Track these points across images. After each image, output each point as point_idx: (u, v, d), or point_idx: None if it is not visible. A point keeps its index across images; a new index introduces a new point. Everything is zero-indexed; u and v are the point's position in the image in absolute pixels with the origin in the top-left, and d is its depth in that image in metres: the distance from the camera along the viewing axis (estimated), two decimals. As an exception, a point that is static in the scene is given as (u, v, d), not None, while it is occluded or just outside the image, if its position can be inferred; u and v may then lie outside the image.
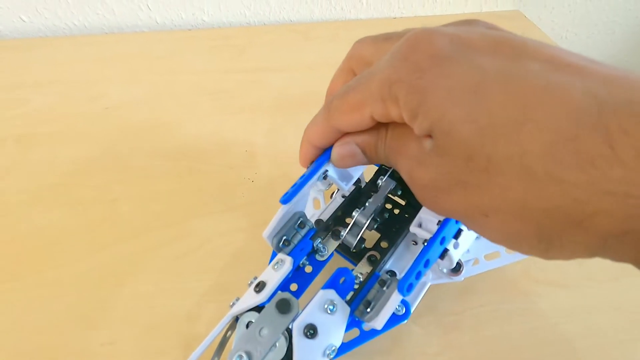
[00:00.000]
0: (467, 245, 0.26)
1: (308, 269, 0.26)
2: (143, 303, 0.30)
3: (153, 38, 0.57)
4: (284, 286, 0.23)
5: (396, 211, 0.30)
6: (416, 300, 0.27)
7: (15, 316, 0.29)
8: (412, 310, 0.25)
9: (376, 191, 0.27)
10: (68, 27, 0.58)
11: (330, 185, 0.27)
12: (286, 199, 0.22)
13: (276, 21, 0.63)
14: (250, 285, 0.23)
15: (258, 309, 0.22)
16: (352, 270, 0.26)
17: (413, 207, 0.29)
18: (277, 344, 0.20)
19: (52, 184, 0.37)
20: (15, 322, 0.29)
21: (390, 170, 0.28)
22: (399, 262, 0.28)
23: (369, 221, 0.26)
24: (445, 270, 0.27)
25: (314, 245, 0.26)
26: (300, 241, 0.25)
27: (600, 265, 0.32)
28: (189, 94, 0.48)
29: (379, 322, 0.22)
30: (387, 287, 0.23)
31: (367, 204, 0.27)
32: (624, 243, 0.13)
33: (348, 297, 0.23)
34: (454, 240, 0.25)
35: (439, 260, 0.24)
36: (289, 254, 0.24)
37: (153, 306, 0.30)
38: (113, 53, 0.53)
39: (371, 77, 0.17)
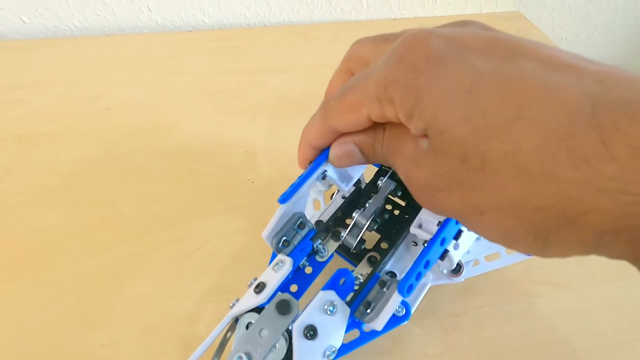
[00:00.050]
0: (467, 246, 0.26)
1: (308, 270, 0.26)
2: (143, 304, 0.30)
3: (153, 39, 0.57)
4: (284, 287, 0.23)
5: (396, 212, 0.30)
6: (416, 301, 0.27)
7: (16, 317, 0.29)
8: (413, 311, 0.25)
9: (376, 192, 0.27)
10: (69, 28, 0.58)
11: (330, 186, 0.27)
12: (284, 198, 0.22)
13: (276, 22, 0.63)
14: (250, 286, 0.23)
15: (258, 310, 0.22)
16: (352, 271, 0.26)
17: (413, 208, 0.29)
18: (277, 345, 0.20)
19: (52, 185, 0.37)
20: (16, 323, 0.29)
21: (390, 171, 0.28)
22: (399, 263, 0.28)
23: (369, 222, 0.26)
24: (445, 271, 0.27)
25: (314, 246, 0.26)
26: (300, 242, 0.25)
27: (600, 266, 0.32)
28: (189, 95, 0.48)
29: (379, 323, 0.22)
30: (387, 288, 0.23)
31: (367, 205, 0.27)
32: (619, 240, 0.13)
33: (348, 298, 0.23)
34: (454, 241, 0.25)
35: (439, 261, 0.24)
36: (289, 255, 0.24)
37: (153, 307, 0.30)
38: (113, 54, 0.53)
39: (368, 77, 0.18)
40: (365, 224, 0.26)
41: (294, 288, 0.25)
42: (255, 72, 0.52)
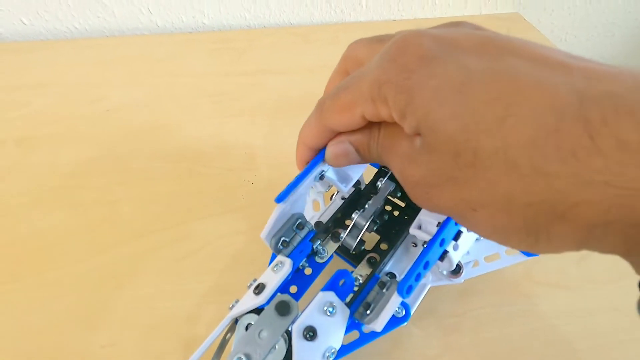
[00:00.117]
0: (466, 247, 0.26)
1: (308, 270, 0.26)
2: (143, 304, 0.30)
3: (154, 41, 0.57)
4: (283, 288, 0.23)
5: (396, 213, 0.30)
6: (416, 302, 0.27)
7: (16, 317, 0.29)
8: (412, 312, 0.25)
9: (376, 193, 0.27)
10: (69, 30, 0.58)
11: (329, 187, 0.27)
12: (280, 197, 0.22)
13: (276, 24, 0.63)
14: (249, 287, 0.23)
15: (257, 311, 0.22)
16: (352, 272, 0.26)
17: (413, 209, 0.29)
18: (276, 346, 0.20)
19: (52, 186, 0.37)
20: (16, 324, 0.29)
21: (390, 172, 0.28)
22: (399, 264, 0.28)
23: (368, 223, 0.26)
24: (445, 272, 0.27)
25: (314, 247, 0.26)
26: (299, 243, 0.25)
27: (600, 267, 0.32)
28: (189, 96, 0.48)
29: (378, 324, 0.22)
30: (387, 289, 0.23)
31: (366, 206, 0.27)
32: (609, 233, 0.13)
33: (348, 299, 0.23)
34: (453, 242, 0.25)
35: (439, 262, 0.24)
36: (288, 256, 0.24)
37: (153, 308, 0.30)
38: (114, 56, 0.53)
39: (361, 77, 0.18)
40: (365, 225, 0.26)
41: (293, 289, 0.25)
42: (255, 74, 0.52)
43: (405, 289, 0.22)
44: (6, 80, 0.49)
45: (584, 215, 0.13)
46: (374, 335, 0.24)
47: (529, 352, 0.28)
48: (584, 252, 0.35)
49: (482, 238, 0.28)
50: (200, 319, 0.29)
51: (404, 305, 0.24)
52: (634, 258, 0.14)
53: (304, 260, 0.25)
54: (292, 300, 0.22)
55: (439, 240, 0.23)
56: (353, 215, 0.26)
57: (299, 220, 0.25)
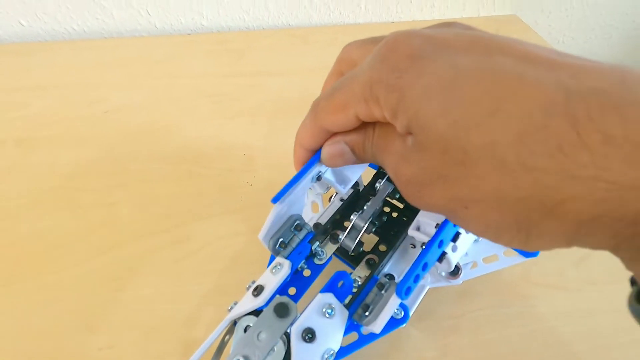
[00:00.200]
0: (465, 248, 0.26)
1: (306, 272, 0.26)
2: (142, 306, 0.30)
3: (152, 42, 0.57)
4: (282, 290, 0.23)
5: (394, 214, 0.30)
6: (415, 303, 0.27)
7: (14, 319, 0.29)
8: (411, 313, 0.25)
9: (374, 194, 0.28)
10: (67, 32, 0.58)
11: (328, 188, 0.27)
12: (277, 197, 0.22)
13: (275, 26, 0.63)
14: (248, 289, 0.23)
15: (256, 313, 0.22)
16: (351, 273, 0.26)
17: (411, 210, 0.29)
18: (275, 348, 0.20)
19: (51, 187, 0.37)
20: (14, 326, 0.28)
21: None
22: (398, 265, 0.28)
23: (367, 224, 0.26)
24: (443, 274, 0.27)
25: (312, 248, 0.26)
26: (298, 244, 0.25)
27: (598, 268, 0.32)
28: (188, 98, 0.48)
29: (377, 326, 0.22)
30: (386, 291, 0.23)
31: (365, 208, 0.27)
32: (597, 228, 0.13)
33: (346, 301, 0.23)
34: (452, 244, 0.25)
35: (437, 263, 0.24)
36: (287, 258, 0.24)
37: (152, 309, 0.30)
38: (112, 57, 0.54)
39: (354, 78, 0.18)
40: (364, 226, 0.26)
41: (292, 291, 0.25)
42: (254, 75, 0.52)
43: (404, 290, 0.22)
44: (5, 81, 0.49)
45: (573, 210, 0.13)
46: (372, 336, 0.24)
47: (528, 353, 0.28)
48: (583, 254, 0.35)
49: (480, 239, 0.28)
50: (199, 321, 0.29)
51: (402, 306, 0.24)
52: (623, 253, 0.14)
53: (303, 261, 0.25)
54: (291, 302, 0.22)
55: (437, 242, 0.23)
56: (352, 216, 0.26)
57: (297, 222, 0.25)
